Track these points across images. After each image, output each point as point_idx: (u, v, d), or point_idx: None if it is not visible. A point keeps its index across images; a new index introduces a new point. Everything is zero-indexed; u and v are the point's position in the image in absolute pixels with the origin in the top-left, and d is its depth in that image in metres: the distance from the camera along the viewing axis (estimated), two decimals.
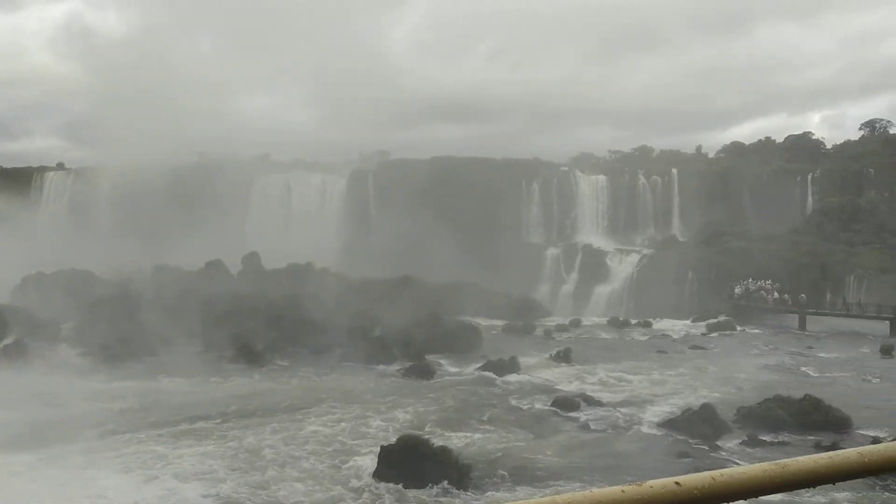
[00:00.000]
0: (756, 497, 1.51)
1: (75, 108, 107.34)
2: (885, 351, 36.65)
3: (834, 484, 1.55)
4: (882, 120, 72.98)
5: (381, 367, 32.74)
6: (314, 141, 79.73)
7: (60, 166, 67.77)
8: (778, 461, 1.53)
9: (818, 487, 1.56)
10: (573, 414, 25.52)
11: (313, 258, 47.57)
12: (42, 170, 66.29)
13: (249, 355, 32.86)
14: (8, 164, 68.60)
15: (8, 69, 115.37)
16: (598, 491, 1.43)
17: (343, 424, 23.50)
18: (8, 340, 33.24)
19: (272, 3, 76.59)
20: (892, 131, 70.81)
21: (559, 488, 17.97)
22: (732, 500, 1.49)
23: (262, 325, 35.68)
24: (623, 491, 1.44)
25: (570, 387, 29.29)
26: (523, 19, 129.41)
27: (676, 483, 1.48)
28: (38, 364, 31.05)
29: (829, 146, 71.31)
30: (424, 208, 54.81)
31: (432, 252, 49.33)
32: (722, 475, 1.50)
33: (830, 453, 1.60)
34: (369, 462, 19.27)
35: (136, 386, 28.34)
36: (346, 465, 19.67)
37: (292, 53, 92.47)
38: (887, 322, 42.50)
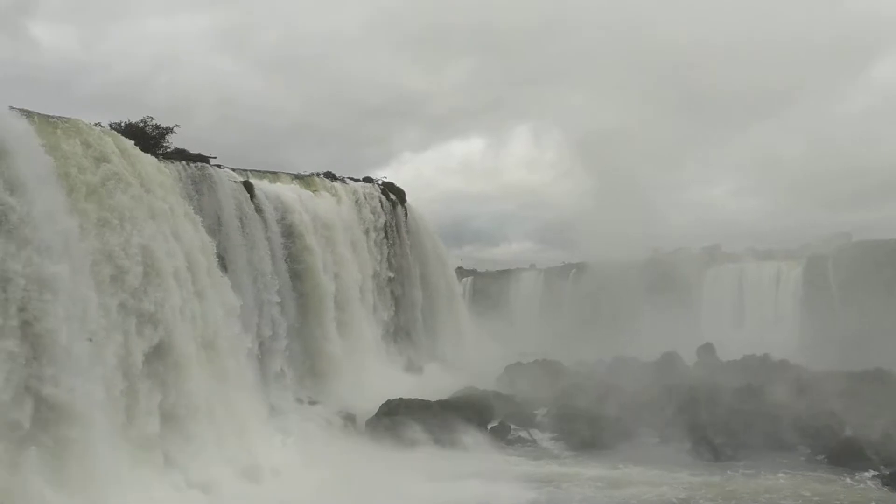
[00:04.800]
0: None
1: (544, 216, 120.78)
2: None
3: None
4: None
5: (853, 472, 29.93)
6: (765, 228, 77.43)
7: (532, 267, 77.47)
8: None
9: None
10: None
11: (769, 349, 46.17)
12: (518, 271, 76.59)
13: (708, 449, 33.01)
14: (492, 268, 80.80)
15: (490, 187, 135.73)
16: None
17: None
18: (494, 423, 38.21)
19: (720, 95, 77.70)
20: None
21: None
22: None
23: (718, 419, 35.58)
24: None
25: None
26: None
27: None
28: (515, 445, 35.52)
29: None
30: (892, 294, 49.60)
31: None
32: None
33: None
34: None
35: (590, 472, 30.23)
36: None
37: (739, 140, 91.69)
38: None
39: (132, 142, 28.34)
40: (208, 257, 30.02)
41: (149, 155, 29.53)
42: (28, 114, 23.96)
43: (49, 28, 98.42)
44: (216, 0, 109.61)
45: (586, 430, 35.80)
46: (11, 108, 23.26)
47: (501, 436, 36.43)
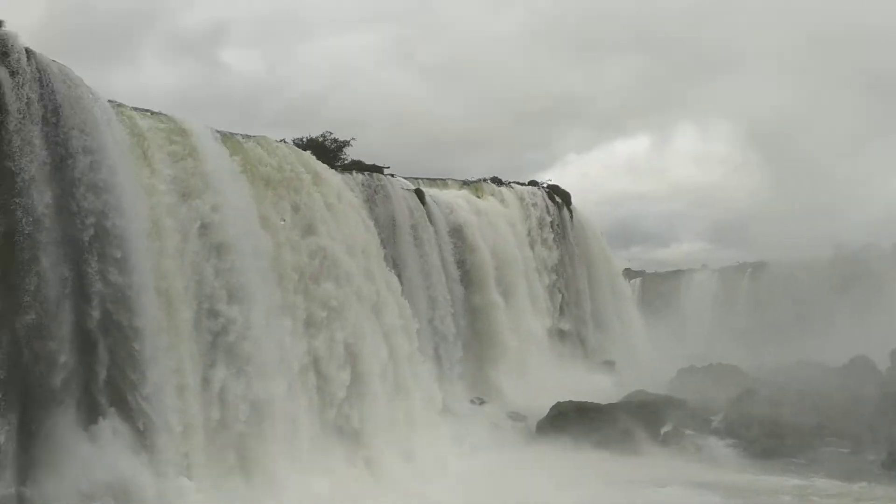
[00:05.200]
0: None
1: (715, 214, 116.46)
2: None
3: None
4: None
5: None
6: None
7: (704, 267, 75.05)
8: None
9: None
10: None
11: None
12: (689, 271, 74.57)
13: None
14: (661, 269, 79.22)
15: (657, 186, 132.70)
16: None
17: None
18: (667, 428, 37.25)
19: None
20: None
21: None
22: None
23: None
24: None
25: None
26: None
27: None
28: (690, 452, 34.54)
29: None
30: None
31: None
32: None
33: None
34: None
35: (783, 483, 28.98)
36: None
37: None
38: None
39: (338, 178, 27.75)
40: (410, 338, 26.55)
41: (352, 195, 28.62)
42: (244, 167, 21.65)
43: (237, 53, 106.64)
44: (383, 16, 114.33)
45: (768, 439, 34.35)
46: (218, 134, 22.36)
47: (676, 442, 35.57)
